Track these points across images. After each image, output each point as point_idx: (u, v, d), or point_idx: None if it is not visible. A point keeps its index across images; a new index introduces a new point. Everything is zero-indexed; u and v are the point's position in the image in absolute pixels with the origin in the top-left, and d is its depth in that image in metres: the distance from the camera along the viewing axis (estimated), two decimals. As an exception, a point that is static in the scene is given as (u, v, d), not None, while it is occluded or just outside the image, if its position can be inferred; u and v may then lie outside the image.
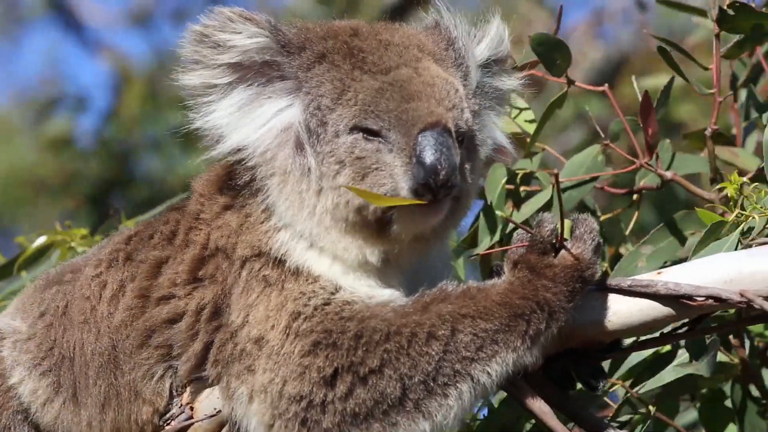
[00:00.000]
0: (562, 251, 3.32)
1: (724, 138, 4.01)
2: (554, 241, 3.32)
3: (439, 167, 3.24)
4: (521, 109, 3.94)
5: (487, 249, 3.72)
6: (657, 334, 3.51)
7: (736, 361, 3.90)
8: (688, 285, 3.35)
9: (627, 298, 3.38)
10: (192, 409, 3.44)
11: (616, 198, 4.21)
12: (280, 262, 3.38)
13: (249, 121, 3.40)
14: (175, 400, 3.45)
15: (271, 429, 3.30)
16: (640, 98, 3.86)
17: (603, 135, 3.97)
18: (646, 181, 4.00)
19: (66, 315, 3.57)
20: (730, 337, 3.85)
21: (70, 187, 10.33)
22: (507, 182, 3.92)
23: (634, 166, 3.93)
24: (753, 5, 3.81)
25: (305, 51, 3.41)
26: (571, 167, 3.96)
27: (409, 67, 3.37)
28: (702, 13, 3.98)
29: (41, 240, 4.45)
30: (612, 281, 3.39)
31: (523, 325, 3.27)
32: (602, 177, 3.98)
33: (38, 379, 3.55)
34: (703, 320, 3.47)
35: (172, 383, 3.45)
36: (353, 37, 3.42)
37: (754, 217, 3.58)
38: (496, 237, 3.81)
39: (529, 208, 3.90)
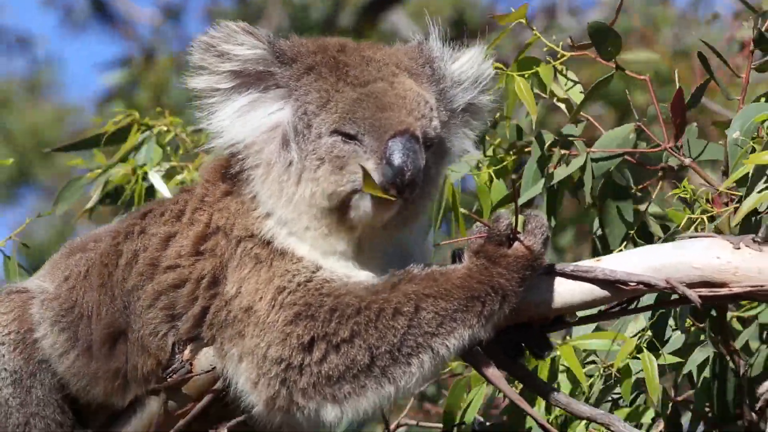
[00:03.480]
0: (516, 243, 3.50)
1: None
2: (509, 233, 3.50)
3: (405, 168, 3.45)
4: (575, 83, 4.09)
5: (452, 239, 3.90)
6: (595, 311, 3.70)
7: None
8: (622, 272, 3.55)
9: (570, 281, 3.57)
10: (191, 365, 3.64)
11: (644, 172, 4.25)
12: (268, 243, 3.60)
13: (244, 122, 3.61)
14: (177, 356, 3.65)
15: (256, 386, 3.53)
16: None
17: (637, 116, 4.08)
18: (670, 162, 4.08)
19: (86, 279, 3.79)
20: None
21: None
22: (551, 146, 4.07)
23: (660, 148, 4.02)
24: None
25: (296, 63, 3.61)
26: (606, 140, 4.07)
27: (386, 81, 3.57)
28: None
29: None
30: (558, 266, 3.58)
31: (478, 306, 3.47)
32: (632, 153, 4.08)
33: (57, 333, 3.77)
34: (634, 301, 3.65)
35: (174, 341, 3.66)
36: (340, 53, 3.63)
37: (702, 218, 3.81)
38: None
39: (564, 170, 4.03)
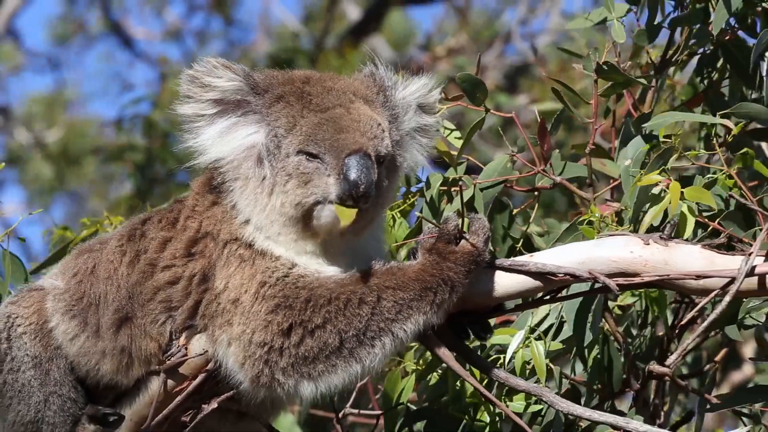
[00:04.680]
0: (462, 241, 3.97)
1: (601, 150, 4.68)
2: (457, 233, 3.98)
3: (359, 182, 3.92)
4: (451, 130, 4.60)
5: (405, 239, 4.43)
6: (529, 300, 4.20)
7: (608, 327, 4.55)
8: (552, 265, 4.04)
9: (508, 273, 4.06)
10: (186, 348, 4.11)
11: (522, 195, 4.81)
12: (250, 245, 4.07)
13: (225, 142, 4.08)
14: (173, 341, 4.12)
15: (243, 366, 4.00)
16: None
17: (510, 148, 4.61)
18: (542, 182, 4.62)
19: (93, 274, 4.25)
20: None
21: (125, 154, 11.08)
22: (441, 185, 4.55)
23: (533, 172, 4.58)
24: (621, 65, 4.55)
25: (268, 92, 4.08)
26: (487, 172, 4.59)
27: (343, 107, 4.04)
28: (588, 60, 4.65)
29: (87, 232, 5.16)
30: (498, 261, 4.05)
31: (431, 296, 3.94)
32: (510, 179, 4.60)
33: (69, 321, 4.23)
34: (562, 290, 4.16)
35: (171, 328, 4.14)
36: (305, 84, 4.10)
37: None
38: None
39: (456, 201, 4.49)
